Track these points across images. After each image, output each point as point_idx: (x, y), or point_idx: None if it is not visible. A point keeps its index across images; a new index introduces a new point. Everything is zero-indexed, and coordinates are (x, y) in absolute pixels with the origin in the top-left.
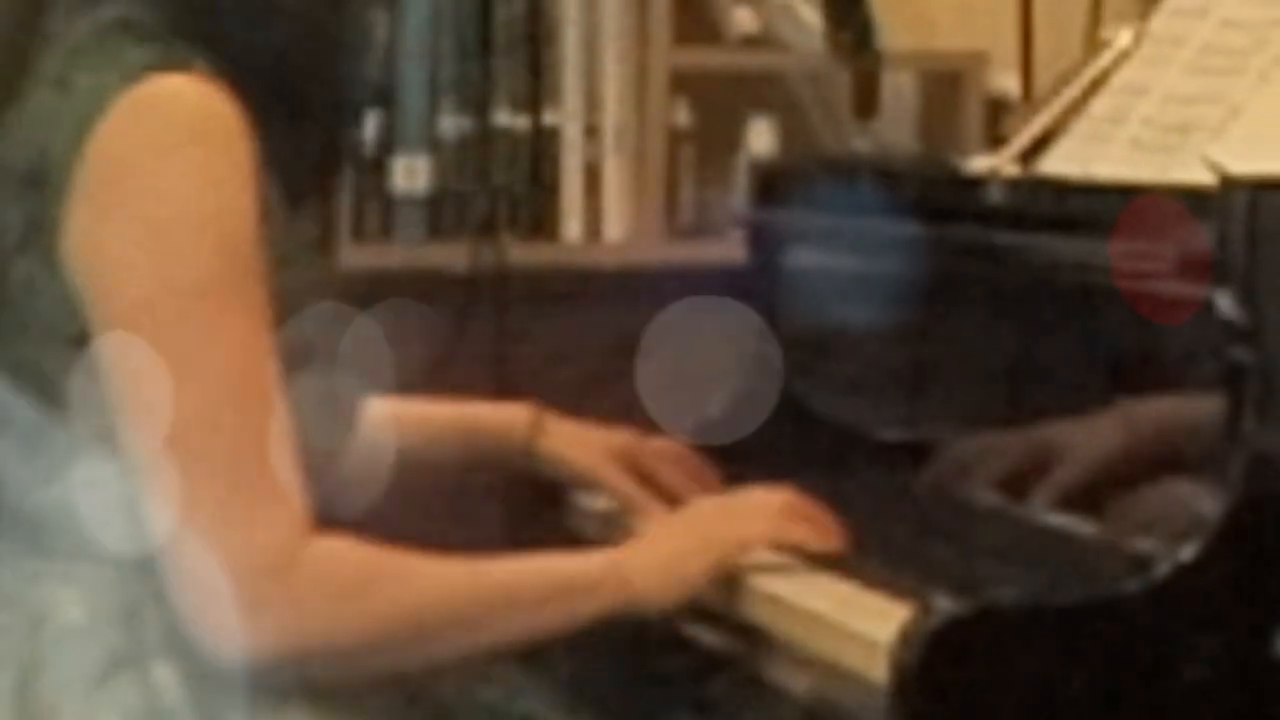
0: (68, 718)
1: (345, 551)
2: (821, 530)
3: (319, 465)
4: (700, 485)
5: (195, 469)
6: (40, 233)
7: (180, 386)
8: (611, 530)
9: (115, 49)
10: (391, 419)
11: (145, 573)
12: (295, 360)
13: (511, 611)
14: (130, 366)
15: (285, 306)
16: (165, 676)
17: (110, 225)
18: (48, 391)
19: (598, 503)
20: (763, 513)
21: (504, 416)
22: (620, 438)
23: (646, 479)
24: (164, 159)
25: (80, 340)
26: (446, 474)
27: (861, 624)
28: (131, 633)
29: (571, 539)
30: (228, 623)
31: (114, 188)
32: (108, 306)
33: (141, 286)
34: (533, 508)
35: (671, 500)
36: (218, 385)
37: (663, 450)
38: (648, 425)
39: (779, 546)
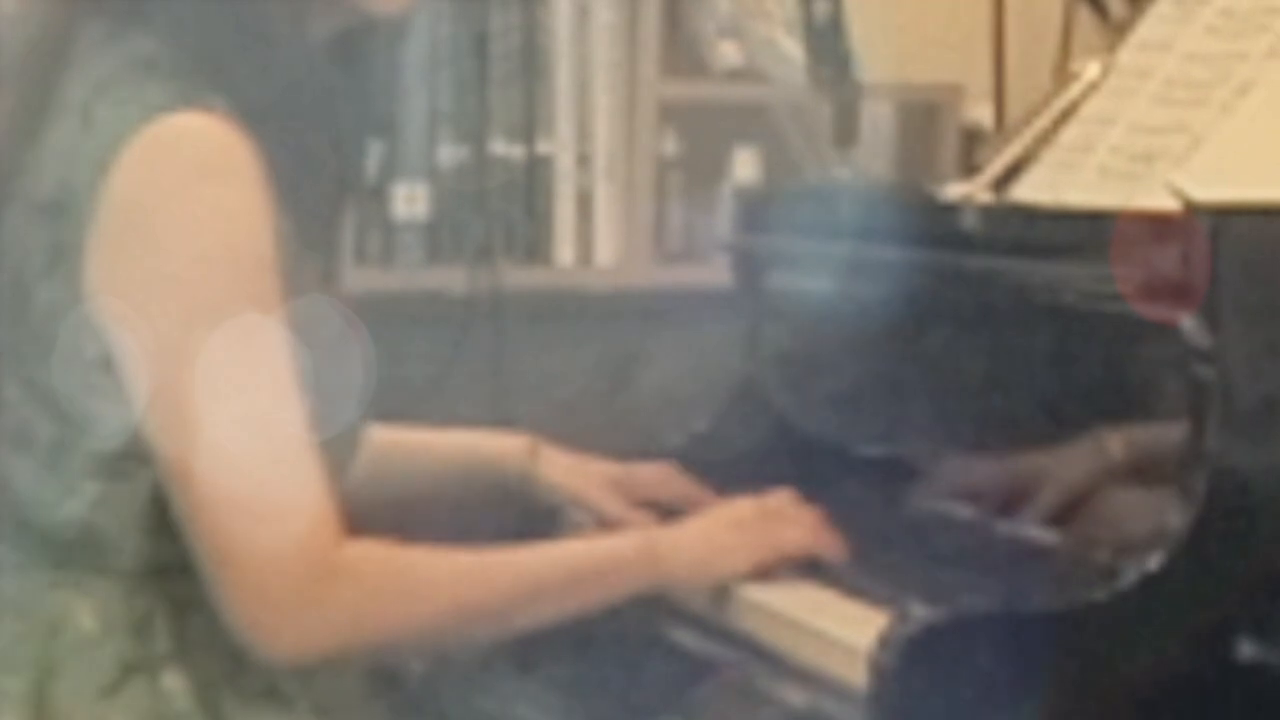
0: None
1: (380, 550)
2: (835, 541)
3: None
4: (692, 503)
5: (233, 482)
6: (63, 260)
7: (214, 410)
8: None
9: (138, 85)
10: (390, 446)
11: (154, 583)
12: (305, 384)
13: (547, 594)
14: (154, 392)
15: (294, 333)
16: (174, 683)
17: (132, 258)
18: (68, 412)
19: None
20: (801, 523)
21: (500, 446)
22: (612, 468)
23: (641, 504)
24: (183, 194)
25: (100, 363)
26: (444, 500)
27: (842, 631)
28: (142, 642)
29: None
30: (277, 624)
31: (134, 221)
32: (135, 336)
33: (168, 317)
34: (529, 522)
35: (665, 519)
36: (249, 405)
37: (653, 474)
38: (638, 440)
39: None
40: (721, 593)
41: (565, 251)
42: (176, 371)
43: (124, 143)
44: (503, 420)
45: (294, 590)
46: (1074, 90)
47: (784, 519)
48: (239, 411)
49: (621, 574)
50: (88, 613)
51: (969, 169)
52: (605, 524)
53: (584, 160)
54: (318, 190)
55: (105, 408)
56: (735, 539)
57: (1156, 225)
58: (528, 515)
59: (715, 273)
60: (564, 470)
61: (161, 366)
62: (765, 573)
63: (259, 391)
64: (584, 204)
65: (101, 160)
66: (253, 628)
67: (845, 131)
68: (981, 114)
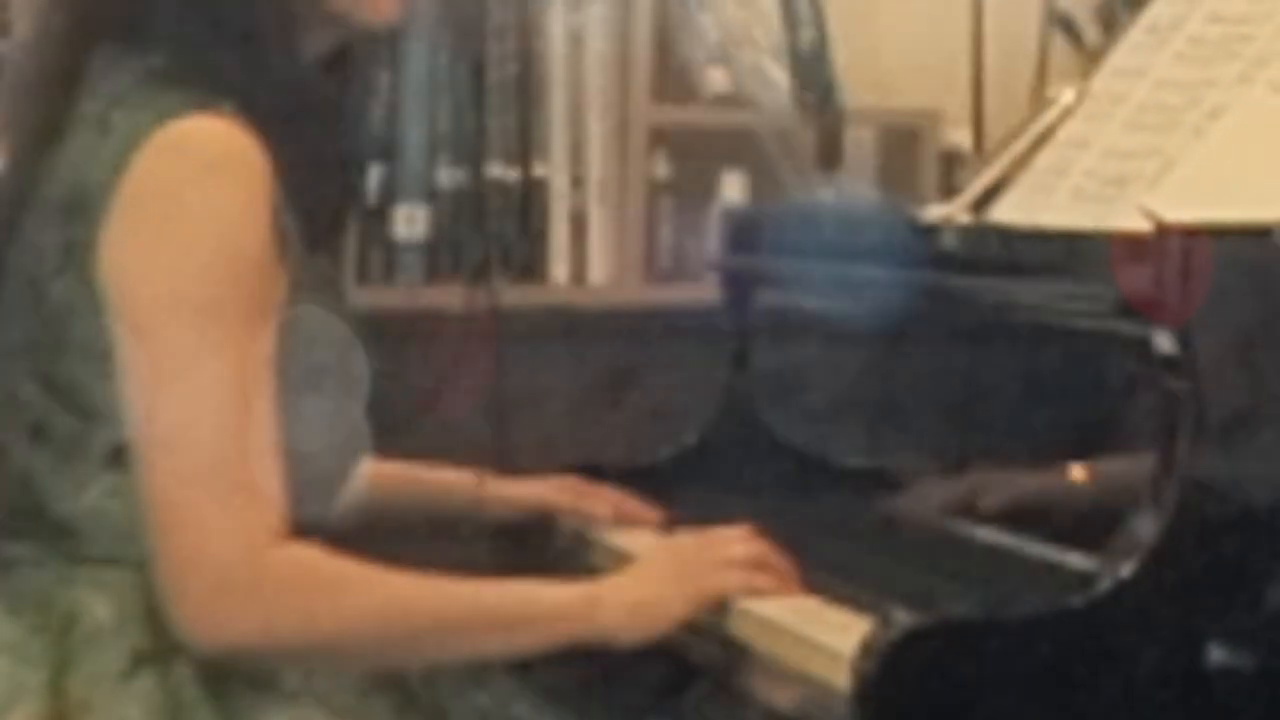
0: (96, 711)
1: (315, 558)
2: (781, 575)
3: (329, 482)
4: (641, 509)
5: (181, 466)
6: (76, 257)
7: (178, 391)
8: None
9: (151, 94)
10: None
11: None
12: (309, 384)
13: (478, 629)
14: (135, 369)
15: (300, 334)
16: (185, 673)
17: (135, 245)
18: (82, 405)
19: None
20: (736, 566)
21: (451, 475)
22: (559, 477)
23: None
24: (190, 188)
25: (110, 356)
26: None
27: (826, 636)
28: (154, 632)
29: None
30: (201, 611)
31: (143, 212)
32: (124, 315)
33: (155, 298)
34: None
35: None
36: (211, 394)
37: (603, 492)
38: (630, 452)
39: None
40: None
41: (560, 270)
42: (151, 350)
43: (138, 144)
44: (499, 432)
45: (223, 584)
46: (1050, 115)
47: (727, 561)
48: (203, 399)
49: (559, 623)
50: (102, 605)
51: (948, 191)
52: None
53: (578, 182)
54: (322, 192)
55: (117, 399)
56: (673, 590)
57: (1129, 246)
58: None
59: (704, 291)
60: (513, 485)
61: (138, 343)
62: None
63: (226, 382)
64: (578, 224)
65: (116, 161)
66: (181, 614)
67: (829, 155)
68: (960, 138)
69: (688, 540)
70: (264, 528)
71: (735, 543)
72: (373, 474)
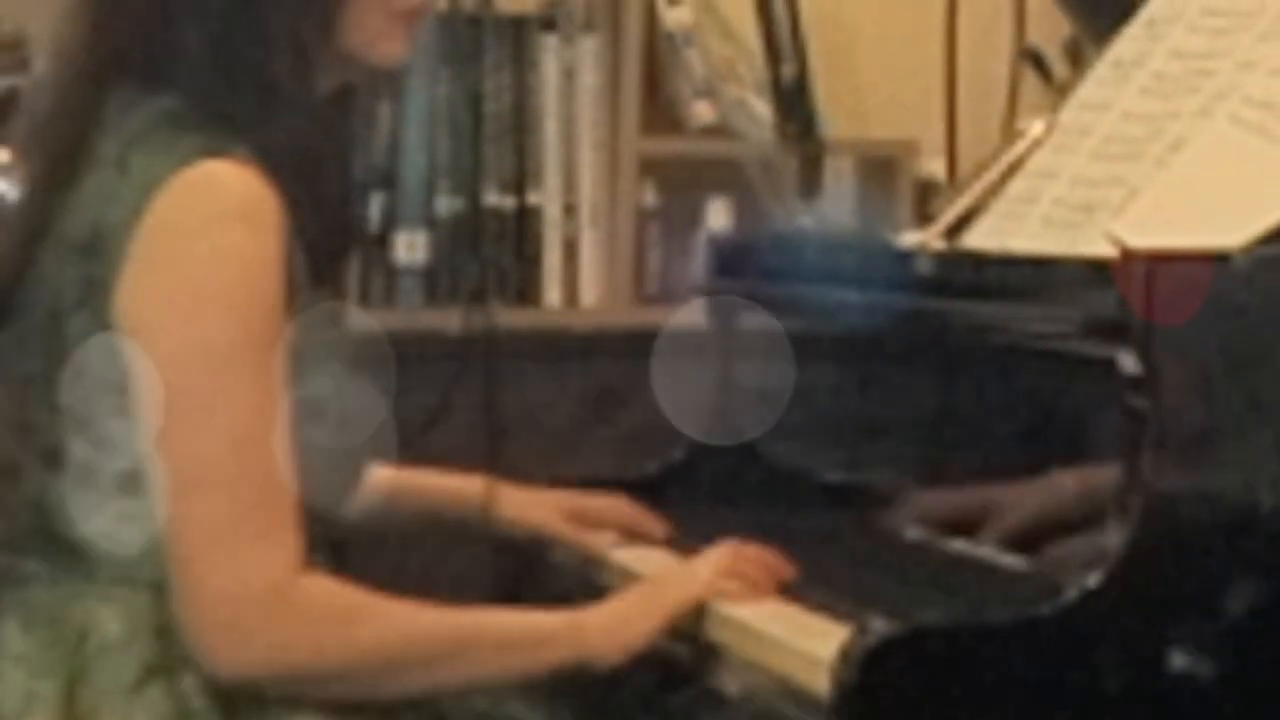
0: None
1: (332, 589)
2: (761, 579)
3: (330, 511)
4: (641, 528)
5: (206, 504)
6: (95, 294)
7: (200, 432)
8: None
9: (167, 136)
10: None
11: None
12: (311, 415)
13: (473, 656)
14: (156, 410)
15: (306, 367)
16: (192, 685)
17: (154, 287)
18: (96, 434)
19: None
20: (704, 576)
21: (459, 487)
22: (567, 496)
23: (591, 526)
24: (206, 234)
25: (124, 389)
26: (408, 533)
27: (806, 643)
28: (163, 646)
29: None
30: (219, 642)
31: (161, 255)
32: (143, 358)
33: (175, 342)
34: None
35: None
36: (232, 433)
37: (604, 504)
38: (620, 468)
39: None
40: (697, 608)
41: (553, 293)
42: (170, 392)
43: (157, 188)
44: (495, 449)
45: (241, 616)
46: (1020, 146)
47: (693, 577)
48: (221, 439)
49: (546, 648)
50: (113, 619)
51: (923, 218)
52: (587, 560)
53: (570, 210)
54: (329, 228)
55: (130, 430)
56: (647, 604)
57: (1096, 270)
58: (514, 556)
59: (691, 313)
60: (521, 505)
61: (158, 385)
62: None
63: (243, 423)
64: (570, 250)
65: (136, 203)
66: (200, 645)
67: (810, 184)
68: (935, 168)
69: (670, 569)
70: (286, 561)
71: (713, 556)
72: (383, 479)
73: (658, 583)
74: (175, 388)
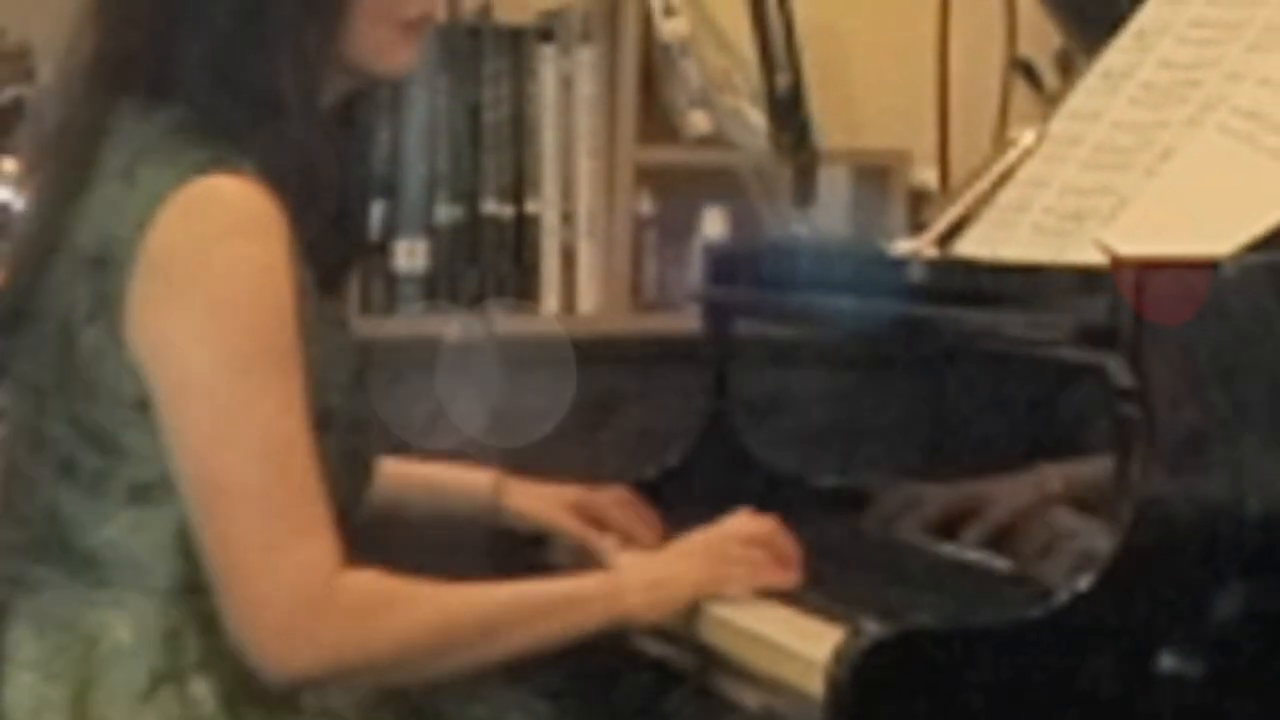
0: None
1: (373, 581)
2: (787, 565)
3: (345, 511)
4: (645, 524)
5: (241, 513)
6: (106, 307)
7: (227, 443)
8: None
9: (175, 150)
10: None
11: (184, 601)
12: (322, 422)
13: (516, 626)
14: (187, 428)
15: (315, 375)
16: (201, 691)
17: (167, 306)
18: (108, 445)
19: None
20: (745, 559)
21: (469, 479)
22: (572, 491)
23: (599, 523)
24: (215, 248)
25: (138, 401)
26: (418, 526)
27: (801, 645)
28: (172, 653)
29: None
30: (275, 646)
31: (171, 272)
32: (166, 377)
33: (194, 357)
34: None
35: (624, 539)
36: (258, 442)
37: (610, 497)
38: (617, 472)
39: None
40: (692, 610)
41: (551, 301)
42: (198, 408)
43: (163, 201)
44: (494, 452)
45: (292, 619)
46: (1011, 155)
47: (736, 559)
48: (253, 448)
49: (584, 610)
50: (124, 627)
51: (916, 227)
52: (582, 551)
53: (568, 218)
54: (333, 239)
55: (141, 441)
56: (685, 570)
57: (1086, 278)
58: (517, 547)
59: (687, 320)
60: (529, 498)
61: (185, 403)
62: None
63: (272, 431)
64: (568, 258)
65: (142, 217)
66: (255, 650)
67: (804, 192)
68: (928, 177)
69: (700, 535)
70: (326, 560)
71: (746, 532)
72: (390, 472)
73: (691, 549)
74: (199, 402)
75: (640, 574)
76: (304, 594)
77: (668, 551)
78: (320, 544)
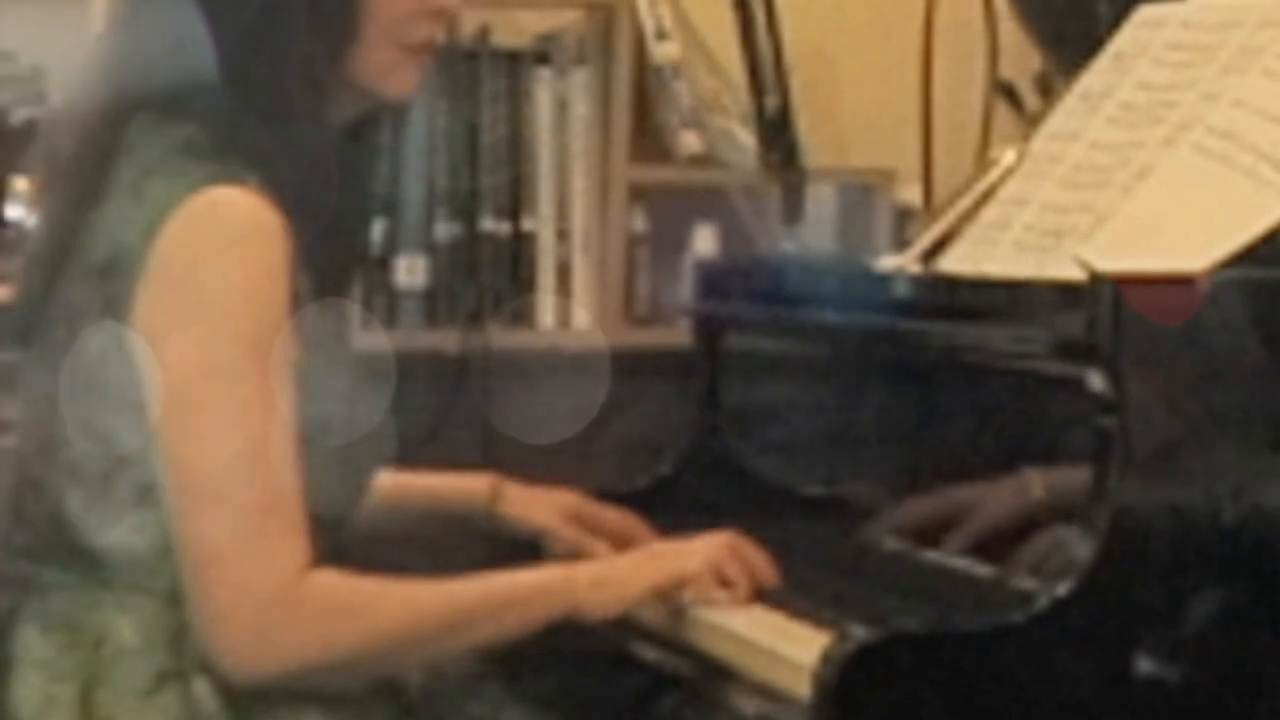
0: None
1: (338, 581)
2: (756, 569)
3: (338, 519)
4: (636, 532)
5: (213, 514)
6: (112, 313)
7: (205, 444)
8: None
9: (182, 165)
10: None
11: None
12: (320, 429)
13: (477, 621)
14: (168, 428)
15: (313, 384)
16: (204, 690)
17: (165, 307)
18: (114, 448)
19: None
20: (701, 552)
21: (466, 486)
22: (568, 496)
23: (592, 530)
24: (217, 257)
25: (141, 405)
26: (416, 535)
27: (789, 649)
28: (176, 652)
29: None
30: (241, 644)
31: (174, 277)
32: (157, 373)
33: (182, 359)
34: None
35: (617, 546)
36: (236, 445)
37: (612, 515)
38: (610, 482)
39: (715, 580)
40: (681, 614)
41: (547, 315)
42: (180, 409)
43: (170, 212)
44: (491, 464)
45: (258, 619)
46: (993, 174)
47: (692, 552)
48: (229, 450)
49: (541, 602)
50: (128, 627)
51: (901, 243)
52: (576, 557)
53: (563, 235)
54: (335, 253)
55: (146, 445)
56: (639, 567)
57: (1065, 293)
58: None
59: (678, 334)
60: (525, 505)
61: (168, 404)
62: (666, 598)
63: (250, 435)
64: (563, 274)
65: (149, 227)
66: (221, 649)
67: (792, 210)
68: (912, 195)
69: (662, 543)
70: (293, 564)
71: (708, 538)
72: (386, 480)
73: (652, 552)
74: (182, 402)
75: (598, 570)
76: (265, 597)
77: (633, 554)
78: (287, 549)
